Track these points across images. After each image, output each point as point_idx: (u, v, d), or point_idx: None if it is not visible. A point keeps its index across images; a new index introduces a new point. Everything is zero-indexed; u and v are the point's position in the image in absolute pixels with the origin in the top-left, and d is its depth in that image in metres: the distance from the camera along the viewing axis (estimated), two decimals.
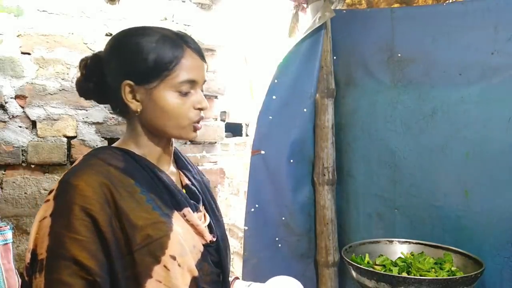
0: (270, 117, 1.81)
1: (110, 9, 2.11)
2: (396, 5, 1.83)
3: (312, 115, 1.88)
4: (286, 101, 1.82)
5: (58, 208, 0.82)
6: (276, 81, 1.80)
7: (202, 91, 0.97)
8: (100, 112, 2.09)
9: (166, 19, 2.25)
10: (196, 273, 0.90)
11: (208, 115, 2.32)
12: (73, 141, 2.04)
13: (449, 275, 1.30)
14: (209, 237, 0.98)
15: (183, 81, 0.92)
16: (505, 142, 1.35)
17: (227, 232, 1.12)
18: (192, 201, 0.99)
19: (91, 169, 0.86)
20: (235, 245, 3.15)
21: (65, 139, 2.03)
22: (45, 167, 2.00)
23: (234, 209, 3.27)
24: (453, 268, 1.34)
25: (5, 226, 1.51)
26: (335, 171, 1.89)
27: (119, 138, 1.01)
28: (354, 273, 1.34)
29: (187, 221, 0.94)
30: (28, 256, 0.83)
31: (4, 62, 1.92)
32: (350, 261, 1.37)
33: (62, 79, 2.02)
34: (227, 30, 2.41)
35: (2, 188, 1.92)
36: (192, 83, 0.93)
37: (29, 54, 1.97)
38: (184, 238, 0.90)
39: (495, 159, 1.37)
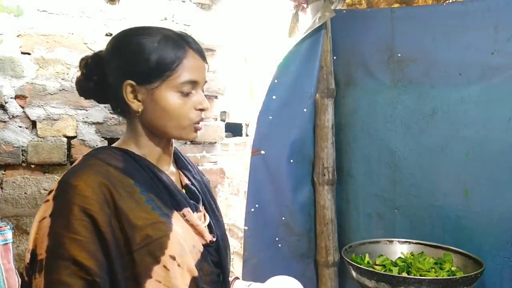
0: (270, 117, 1.81)
1: (110, 9, 2.11)
2: (396, 5, 1.83)
3: (312, 115, 1.88)
4: (286, 101, 1.82)
5: (57, 208, 0.82)
6: (276, 81, 1.80)
7: (203, 91, 0.97)
8: (100, 112, 2.09)
9: (166, 19, 2.25)
10: (195, 273, 0.90)
11: (208, 115, 2.32)
12: (73, 141, 2.04)
13: (449, 275, 1.29)
14: (209, 237, 0.98)
15: (184, 82, 0.92)
16: (505, 142, 1.35)
17: (227, 232, 1.12)
18: (192, 201, 0.99)
19: (91, 169, 0.86)
20: (235, 245, 3.15)
21: (65, 139, 2.03)
22: (45, 167, 2.00)
23: (234, 209, 3.27)
24: (453, 268, 1.34)
25: (5, 226, 1.51)
26: (335, 171, 1.89)
27: (119, 138, 1.01)
28: (354, 273, 1.34)
29: (187, 221, 0.94)
30: (27, 256, 0.83)
31: (4, 62, 1.92)
32: (350, 261, 1.37)
33: (62, 79, 2.02)
34: (227, 30, 2.41)
35: (2, 188, 1.92)
36: (194, 83, 0.93)
37: (29, 54, 1.97)
38: (184, 238, 0.90)
39: (495, 159, 1.37)
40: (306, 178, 1.91)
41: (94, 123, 2.08)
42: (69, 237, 0.80)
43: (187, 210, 0.94)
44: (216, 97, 2.40)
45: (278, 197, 1.84)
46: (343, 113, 1.88)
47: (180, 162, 1.08)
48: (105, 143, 2.10)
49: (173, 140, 1.02)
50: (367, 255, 1.46)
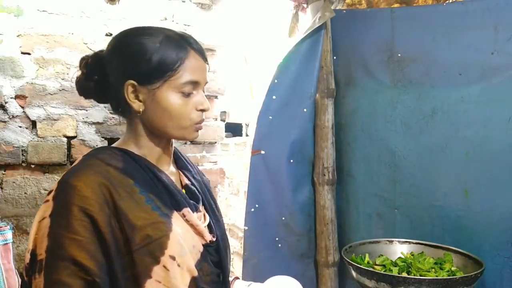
0: (270, 117, 1.81)
1: (110, 9, 2.11)
2: (396, 5, 1.83)
3: (312, 115, 1.88)
4: (286, 101, 1.82)
5: (57, 209, 0.82)
6: (276, 81, 1.80)
7: (203, 92, 0.97)
8: (100, 112, 2.09)
9: (166, 19, 2.25)
10: (195, 273, 0.90)
11: (208, 115, 2.32)
12: (73, 141, 2.04)
13: (449, 275, 1.29)
14: (208, 237, 0.98)
15: (186, 82, 0.92)
16: (505, 142, 1.35)
17: (227, 232, 1.12)
18: (191, 201, 0.98)
19: (90, 170, 0.86)
20: (235, 245, 3.15)
21: (65, 139, 2.03)
22: (45, 167, 2.00)
23: (234, 209, 3.27)
24: (453, 268, 1.34)
25: (5, 226, 1.51)
26: (335, 171, 1.89)
27: (119, 138, 1.01)
28: (354, 273, 1.34)
29: (187, 221, 0.94)
30: (27, 257, 0.83)
31: (4, 62, 1.92)
32: (350, 261, 1.37)
33: (62, 79, 2.02)
34: (227, 30, 2.41)
35: (2, 188, 1.93)
36: (195, 84, 0.93)
37: (29, 54, 1.97)
38: (184, 238, 0.90)
39: (495, 159, 1.37)
40: (306, 178, 1.91)
41: (94, 123, 2.08)
42: (69, 237, 0.80)
43: (187, 210, 0.94)
44: (216, 97, 2.40)
45: (278, 197, 1.84)
46: (343, 113, 1.88)
47: (180, 162, 1.08)
48: (105, 143, 2.10)
49: (173, 140, 1.02)
50: (367, 255, 1.46)
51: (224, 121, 2.51)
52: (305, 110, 1.86)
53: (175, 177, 1.02)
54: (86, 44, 2.07)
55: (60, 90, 2.02)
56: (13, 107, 1.94)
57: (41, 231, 0.82)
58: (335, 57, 1.88)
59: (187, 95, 0.93)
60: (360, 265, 1.34)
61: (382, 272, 1.32)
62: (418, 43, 1.58)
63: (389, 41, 1.67)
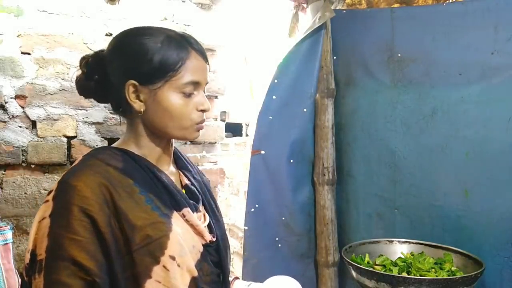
0: (270, 117, 1.81)
1: (110, 9, 2.11)
2: (396, 5, 1.83)
3: (312, 115, 1.88)
4: (286, 101, 1.82)
5: (57, 209, 0.82)
6: (276, 81, 1.80)
7: (204, 92, 0.98)
8: (100, 112, 2.09)
9: (166, 19, 2.25)
10: (195, 273, 0.90)
11: (208, 115, 2.31)
12: (73, 141, 2.04)
13: (449, 275, 1.29)
14: (208, 237, 0.98)
15: (187, 83, 0.92)
16: (505, 142, 1.35)
17: (227, 232, 1.12)
18: (191, 201, 0.98)
19: (90, 170, 0.86)
20: (235, 245, 3.15)
21: (65, 139, 2.03)
22: (45, 167, 2.00)
23: (234, 209, 3.27)
24: (453, 268, 1.34)
25: (5, 226, 1.51)
26: (335, 171, 1.89)
27: (119, 138, 1.01)
28: (354, 273, 1.34)
29: (187, 221, 0.94)
30: (27, 257, 0.83)
31: (4, 62, 1.92)
32: (350, 261, 1.37)
33: (62, 79, 2.02)
34: (227, 30, 2.41)
35: (2, 188, 1.93)
36: (196, 84, 0.94)
37: (29, 54, 1.97)
38: (184, 238, 0.90)
39: (495, 159, 1.37)
40: (306, 178, 1.91)
41: (94, 123, 2.08)
42: (69, 237, 0.80)
43: (186, 210, 0.94)
44: (216, 97, 2.40)
45: (278, 197, 1.84)
46: (343, 113, 1.88)
47: (180, 162, 1.08)
48: (105, 143, 2.10)
49: (173, 140, 1.02)
50: (367, 255, 1.46)
51: (224, 121, 2.51)
52: (305, 110, 1.86)
53: (175, 177, 1.02)
54: (86, 44, 2.07)
55: (60, 90, 2.02)
56: (13, 107, 1.94)
57: (41, 231, 0.82)
58: (335, 57, 1.88)
59: (188, 95, 0.93)
60: (360, 265, 1.34)
61: (382, 272, 1.32)
62: (418, 43, 1.58)
63: (389, 41, 1.67)
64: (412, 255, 1.44)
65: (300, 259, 1.91)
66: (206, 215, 1.03)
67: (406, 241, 1.52)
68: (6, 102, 1.92)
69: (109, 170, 0.88)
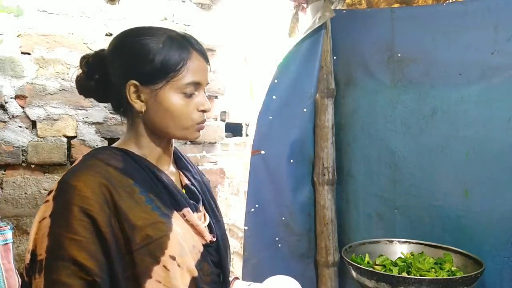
0: (270, 117, 1.81)
1: (110, 9, 2.11)
2: (396, 5, 1.83)
3: (312, 115, 1.88)
4: (286, 101, 1.82)
5: (57, 209, 0.82)
6: (276, 81, 1.80)
7: (205, 92, 0.98)
8: (100, 112, 2.09)
9: (166, 19, 2.25)
10: (195, 273, 0.90)
11: (208, 115, 2.31)
12: (73, 141, 2.04)
13: (449, 275, 1.29)
14: (209, 237, 0.98)
15: (188, 83, 0.92)
16: (505, 142, 1.35)
17: (227, 232, 1.12)
18: (191, 201, 0.99)
19: (90, 170, 0.86)
20: (235, 245, 3.15)
21: (65, 139, 2.03)
22: (45, 167, 2.00)
23: (234, 209, 3.27)
24: (453, 268, 1.34)
25: (5, 226, 1.51)
26: (335, 171, 1.89)
27: (119, 138, 1.01)
28: (354, 273, 1.34)
29: (187, 221, 0.94)
30: (27, 257, 0.83)
31: (4, 62, 1.92)
32: (350, 261, 1.37)
33: (62, 79, 2.02)
34: (227, 30, 2.41)
35: (2, 188, 1.93)
36: (197, 85, 0.94)
37: (29, 54, 1.97)
38: (184, 238, 0.90)
39: (495, 159, 1.37)
40: (306, 178, 1.91)
41: (94, 123, 2.08)
42: (69, 237, 0.80)
43: (187, 210, 0.94)
44: (216, 97, 2.40)
45: (278, 197, 1.84)
46: (343, 113, 1.88)
47: (180, 162, 1.08)
48: (105, 143, 2.10)
49: (173, 140, 1.02)
50: (367, 255, 1.46)
51: (224, 121, 2.51)
52: (305, 110, 1.86)
53: (175, 177, 1.02)
54: (86, 44, 2.07)
55: (60, 90, 2.02)
56: (13, 107, 1.94)
57: (41, 231, 0.82)
58: (335, 57, 1.88)
59: (189, 95, 0.93)
60: (360, 265, 1.34)
61: (382, 272, 1.32)
62: (418, 43, 1.58)
63: (389, 41, 1.67)
64: (412, 255, 1.44)
65: (300, 259, 1.91)
66: (206, 215, 1.03)
67: (406, 241, 1.52)
68: (6, 102, 1.92)
69: (109, 170, 0.88)
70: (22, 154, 1.95)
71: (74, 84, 1.00)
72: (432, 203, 1.55)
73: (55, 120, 2.00)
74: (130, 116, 0.97)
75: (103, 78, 0.95)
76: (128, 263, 0.84)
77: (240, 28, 3.01)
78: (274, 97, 1.80)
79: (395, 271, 1.33)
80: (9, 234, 1.52)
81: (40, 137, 1.98)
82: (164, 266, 0.85)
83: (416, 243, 1.51)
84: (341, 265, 1.89)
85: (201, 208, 1.03)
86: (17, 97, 1.94)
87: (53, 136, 2.00)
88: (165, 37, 0.92)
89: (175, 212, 0.92)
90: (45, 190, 1.98)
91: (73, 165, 0.91)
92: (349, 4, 2.05)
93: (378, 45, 1.71)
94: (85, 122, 2.06)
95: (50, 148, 1.99)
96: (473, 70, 1.43)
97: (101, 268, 0.81)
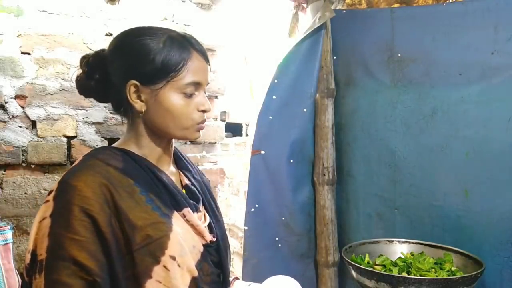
0: (270, 117, 1.81)
1: (110, 9, 2.11)
2: (396, 5, 1.83)
3: (312, 115, 1.88)
4: (286, 101, 1.82)
5: (57, 209, 0.82)
6: (276, 81, 1.80)
7: (205, 92, 0.98)
8: (100, 112, 2.09)
9: (166, 19, 2.25)
10: (195, 273, 0.90)
11: (208, 115, 2.31)
12: (73, 141, 2.04)
13: (449, 275, 1.29)
14: (209, 237, 0.98)
15: (188, 83, 0.92)
16: (505, 142, 1.35)
17: (227, 232, 1.12)
18: (192, 201, 0.99)
19: (90, 170, 0.86)
20: (235, 245, 3.15)
21: (65, 139, 2.03)
22: (45, 167, 2.00)
23: (234, 209, 3.27)
24: (453, 268, 1.34)
25: (5, 226, 1.51)
26: (335, 171, 1.89)
27: (119, 138, 1.01)
28: (354, 273, 1.34)
29: (187, 221, 0.94)
30: (28, 257, 0.83)
31: (4, 62, 1.92)
32: (350, 261, 1.37)
33: (62, 79, 2.02)
34: (227, 30, 2.41)
35: (2, 188, 1.93)
36: (197, 85, 0.94)
37: (29, 54, 1.97)
38: (184, 238, 0.90)
39: (495, 159, 1.37)
40: (306, 178, 1.91)
41: (94, 123, 2.08)
42: (69, 237, 0.80)
43: (187, 210, 0.94)
44: (216, 97, 2.40)
45: (278, 197, 1.84)
46: (343, 113, 1.88)
47: (180, 162, 1.08)
48: (105, 143, 2.10)
49: (173, 140, 1.02)
50: (367, 255, 1.46)
51: (224, 121, 2.51)
52: (305, 110, 1.86)
53: (175, 177, 1.02)
54: (86, 44, 2.07)
55: (60, 90, 2.02)
56: (13, 107, 1.94)
57: (41, 231, 0.82)
58: (335, 57, 1.88)
59: (189, 95, 0.93)
60: (360, 265, 1.34)
61: (382, 272, 1.32)
62: (418, 43, 1.58)
63: (389, 41, 1.67)
64: (412, 255, 1.44)
65: (300, 259, 1.91)
66: (206, 215, 1.03)
67: (406, 241, 1.52)
68: (6, 102, 1.92)
69: (109, 170, 0.88)
70: (22, 154, 1.95)
71: (74, 84, 1.00)
72: (432, 203, 1.55)
73: (55, 120, 2.00)
74: (130, 116, 0.97)
75: (103, 78, 0.95)
76: (128, 263, 0.84)
77: (240, 28, 3.01)
78: (274, 97, 1.80)
79: (395, 271, 1.33)
80: (9, 234, 1.52)
81: (40, 137, 1.98)
82: (164, 266, 0.85)
83: (416, 243, 1.51)
84: (341, 265, 1.89)
85: (201, 208, 1.03)
86: (17, 97, 1.94)
87: (53, 136, 2.00)
88: (165, 37, 0.92)
89: (175, 212, 0.92)
90: (45, 190, 1.98)
91: (73, 165, 0.91)
92: (349, 4, 2.05)
93: (378, 45, 1.71)
94: (85, 122, 2.06)
95: (50, 148, 1.99)
96: (473, 70, 1.43)
97: (102, 268, 0.81)
